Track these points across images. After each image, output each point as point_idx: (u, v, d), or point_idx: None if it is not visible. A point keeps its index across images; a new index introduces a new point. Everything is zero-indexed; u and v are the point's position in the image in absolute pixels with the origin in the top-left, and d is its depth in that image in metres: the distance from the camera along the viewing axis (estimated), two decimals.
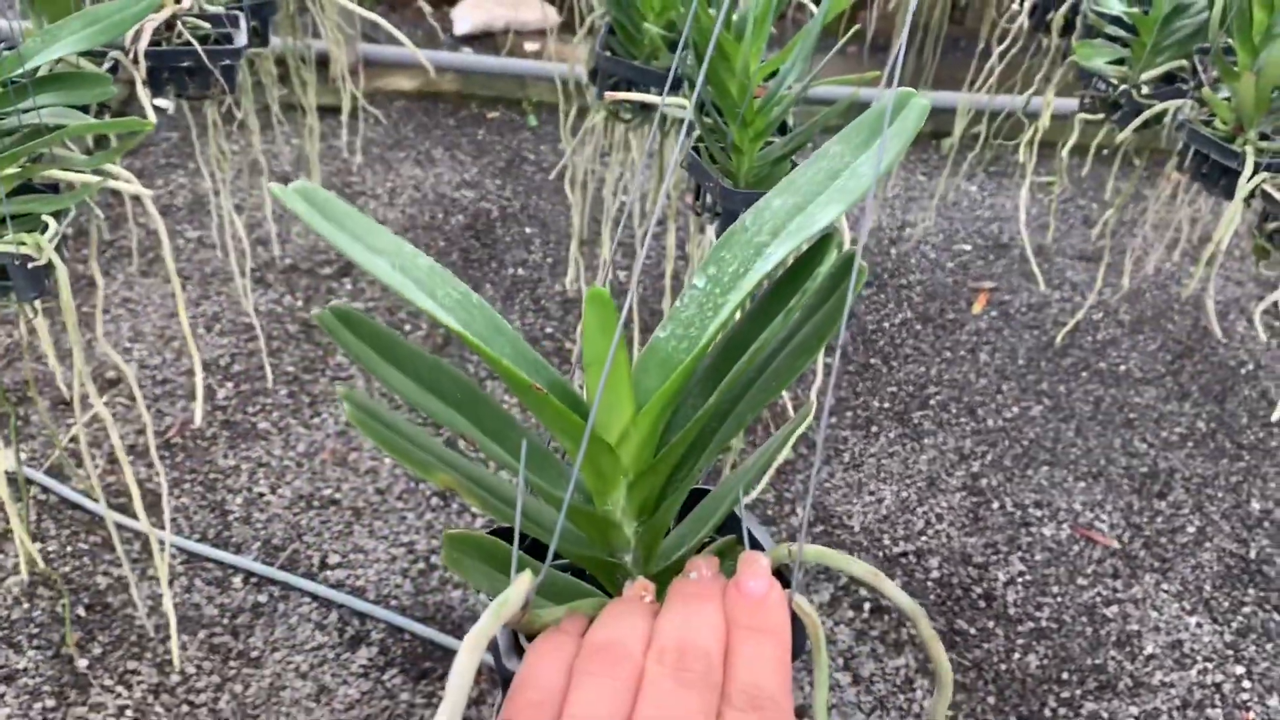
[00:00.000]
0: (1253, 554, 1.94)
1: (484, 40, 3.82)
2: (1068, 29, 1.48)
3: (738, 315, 0.42)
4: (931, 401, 2.26)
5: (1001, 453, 2.13)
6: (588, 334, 0.39)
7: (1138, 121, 1.25)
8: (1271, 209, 1.02)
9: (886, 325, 2.50)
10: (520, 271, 2.54)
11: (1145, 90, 1.28)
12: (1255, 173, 1.07)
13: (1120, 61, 1.32)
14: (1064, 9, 1.39)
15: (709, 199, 1.08)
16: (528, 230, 2.71)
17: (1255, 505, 2.06)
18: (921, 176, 3.19)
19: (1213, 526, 1.99)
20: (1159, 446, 2.18)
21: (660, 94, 1.22)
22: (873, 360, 2.37)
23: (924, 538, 1.91)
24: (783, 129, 1.13)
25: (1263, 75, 1.04)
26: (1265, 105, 1.08)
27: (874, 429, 2.16)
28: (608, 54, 1.28)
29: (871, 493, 1.99)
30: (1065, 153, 1.70)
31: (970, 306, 2.60)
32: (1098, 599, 1.81)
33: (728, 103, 1.00)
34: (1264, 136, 1.14)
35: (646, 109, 1.28)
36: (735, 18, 0.98)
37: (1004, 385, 2.32)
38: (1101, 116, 1.34)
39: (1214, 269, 1.11)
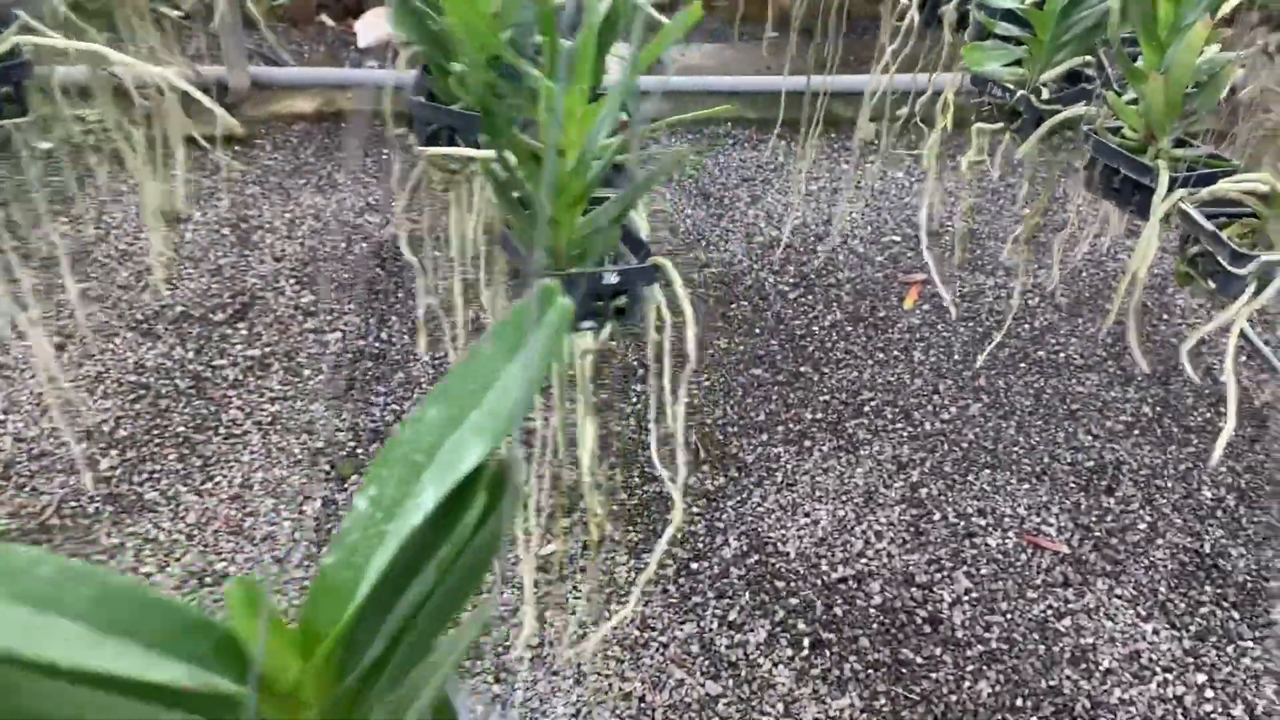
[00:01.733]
0: (1207, 547, 1.85)
1: (390, 52, 3.66)
2: (962, 24, 1.37)
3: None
4: (866, 408, 2.15)
5: (941, 458, 2.03)
6: (239, 622, 0.31)
7: (1041, 131, 1.13)
8: (1192, 230, 0.90)
9: (816, 329, 2.39)
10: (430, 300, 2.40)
11: (1046, 94, 1.16)
12: (1171, 189, 0.95)
13: (1017, 63, 1.20)
14: (954, 3, 1.27)
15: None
16: (435, 254, 2.56)
17: (1206, 493, 1.97)
18: (845, 165, 3.09)
19: (1164, 521, 1.90)
20: (1104, 437, 2.09)
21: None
22: (803, 369, 2.26)
23: (864, 559, 1.80)
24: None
25: (1171, 76, 0.92)
26: (1177, 109, 0.96)
27: (807, 443, 2.05)
28: (421, 99, 1.11)
29: (807, 514, 1.88)
30: (976, 132, 1.59)
31: (902, 302, 2.50)
32: (1049, 612, 1.71)
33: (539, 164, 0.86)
34: (1180, 143, 1.02)
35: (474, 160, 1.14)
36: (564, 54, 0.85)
37: (940, 384, 2.22)
38: (1000, 126, 1.22)
39: (1134, 299, 1.00)
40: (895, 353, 2.32)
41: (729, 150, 3.14)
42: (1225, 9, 1.01)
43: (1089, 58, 1.10)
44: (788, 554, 1.80)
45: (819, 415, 2.12)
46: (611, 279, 0.85)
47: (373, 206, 2.75)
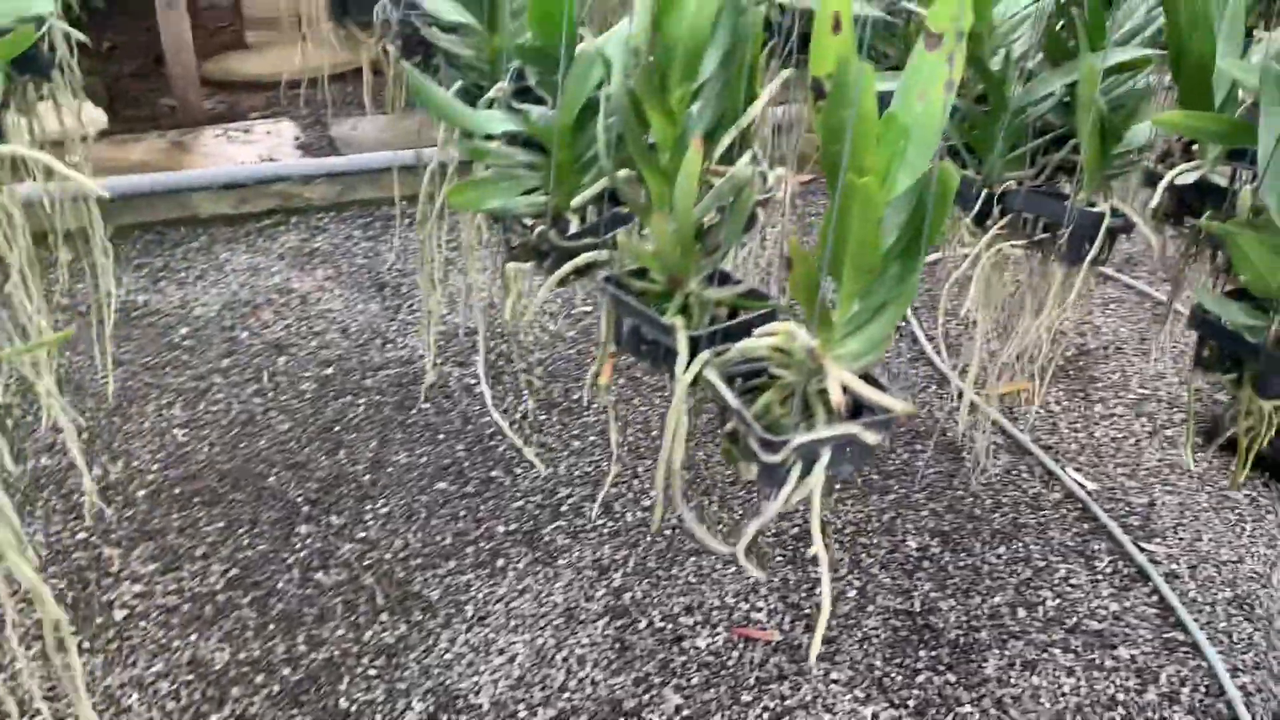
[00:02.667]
0: (917, 605, 1.78)
1: None
2: None
3: None
4: (564, 507, 1.98)
5: (644, 552, 1.87)
6: None
7: (554, 280, 0.97)
8: (718, 399, 0.76)
9: (508, 424, 2.20)
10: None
11: (577, 224, 1.00)
12: (696, 350, 0.81)
13: (535, 189, 1.04)
14: (485, 98, 1.10)
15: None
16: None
17: (911, 543, 1.91)
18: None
19: (873, 583, 1.82)
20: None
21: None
22: (494, 473, 2.06)
23: (566, 694, 1.61)
24: None
25: (678, 212, 0.78)
26: (693, 252, 0.81)
27: (500, 562, 1.85)
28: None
29: (502, 651, 1.68)
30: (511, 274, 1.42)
31: (597, 379, 2.35)
32: (766, 716, 1.58)
33: None
34: (722, 277, 0.87)
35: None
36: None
37: (639, 466, 2.08)
38: (529, 267, 1.06)
39: (675, 471, 0.85)
40: (592, 437, 2.16)
41: (404, 231, 2.92)
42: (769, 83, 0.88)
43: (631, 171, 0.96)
44: (480, 706, 1.59)
45: (513, 527, 1.93)
46: None
47: None
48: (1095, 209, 1.32)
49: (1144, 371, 2.45)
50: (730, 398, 0.76)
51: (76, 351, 2.31)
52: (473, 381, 2.33)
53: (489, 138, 0.99)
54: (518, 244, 1.04)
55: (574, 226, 1.00)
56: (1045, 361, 1.63)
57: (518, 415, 2.24)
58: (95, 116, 2.61)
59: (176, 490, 1.97)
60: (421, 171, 1.79)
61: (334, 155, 3.18)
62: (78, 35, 1.37)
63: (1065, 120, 1.37)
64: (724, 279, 0.88)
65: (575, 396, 2.29)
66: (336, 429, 2.17)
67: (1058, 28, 1.36)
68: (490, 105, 1.06)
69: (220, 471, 2.03)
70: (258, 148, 3.22)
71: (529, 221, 1.02)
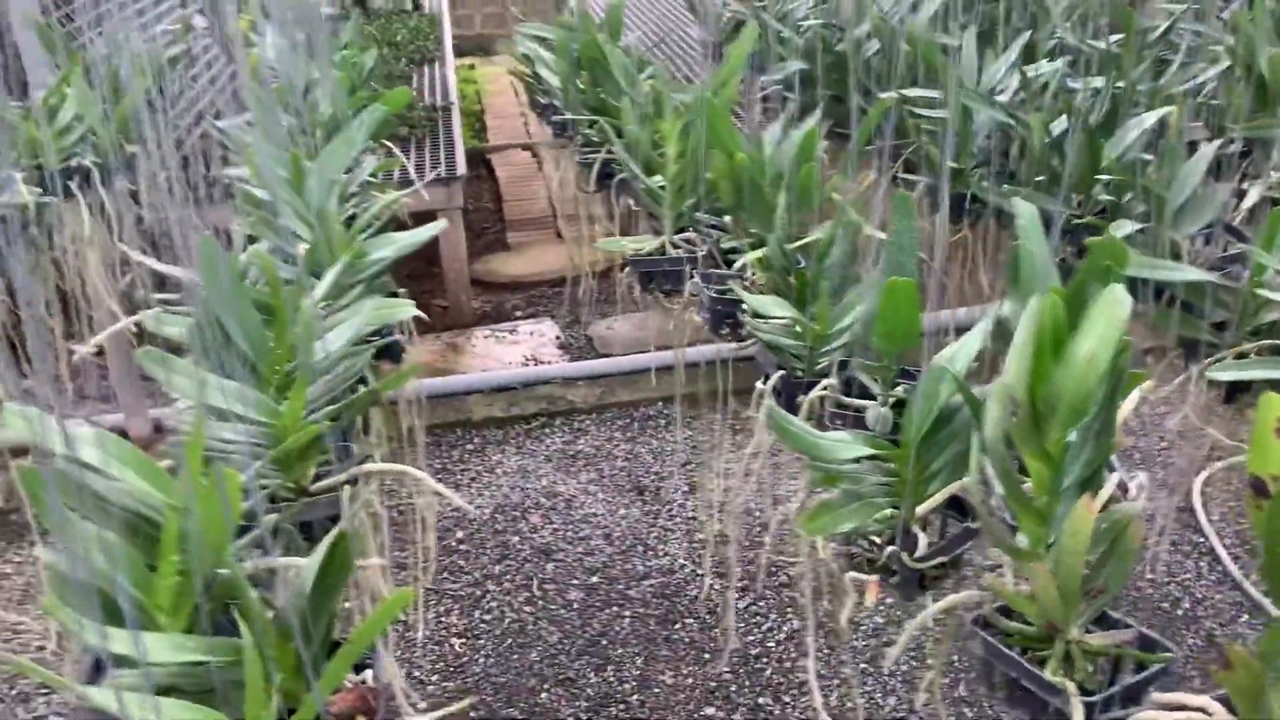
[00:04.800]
0: None
1: None
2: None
3: None
4: None
5: None
6: None
7: (919, 622, 0.93)
8: None
9: (771, 645, 2.16)
10: None
11: (923, 541, 0.98)
12: (1091, 716, 0.75)
13: (877, 511, 1.03)
14: (812, 395, 1.11)
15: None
16: None
17: None
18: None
19: None
20: None
21: None
22: (762, 699, 2.01)
23: None
24: None
25: (1062, 566, 0.74)
26: (1077, 597, 0.77)
27: None
28: None
29: None
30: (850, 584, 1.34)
31: (863, 597, 2.28)
32: None
33: None
34: (1102, 620, 0.81)
35: None
36: None
37: (915, 700, 1.98)
38: (875, 578, 1.05)
39: None
40: (862, 664, 2.09)
41: (660, 432, 2.99)
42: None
43: (968, 479, 0.93)
44: None
45: None
46: None
47: None
48: None
49: None
50: None
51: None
52: (734, 596, 2.31)
53: (840, 462, 1.00)
54: (859, 555, 1.04)
55: (922, 541, 0.98)
56: None
57: (781, 636, 2.19)
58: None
59: (454, 705, 2.03)
60: (677, 372, 1.85)
61: (592, 354, 3.33)
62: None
63: None
64: (1108, 622, 0.83)
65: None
66: (604, 642, 2.19)
67: None
68: (821, 402, 1.08)
69: (495, 685, 2.08)
70: (522, 348, 3.41)
71: (876, 540, 1.01)
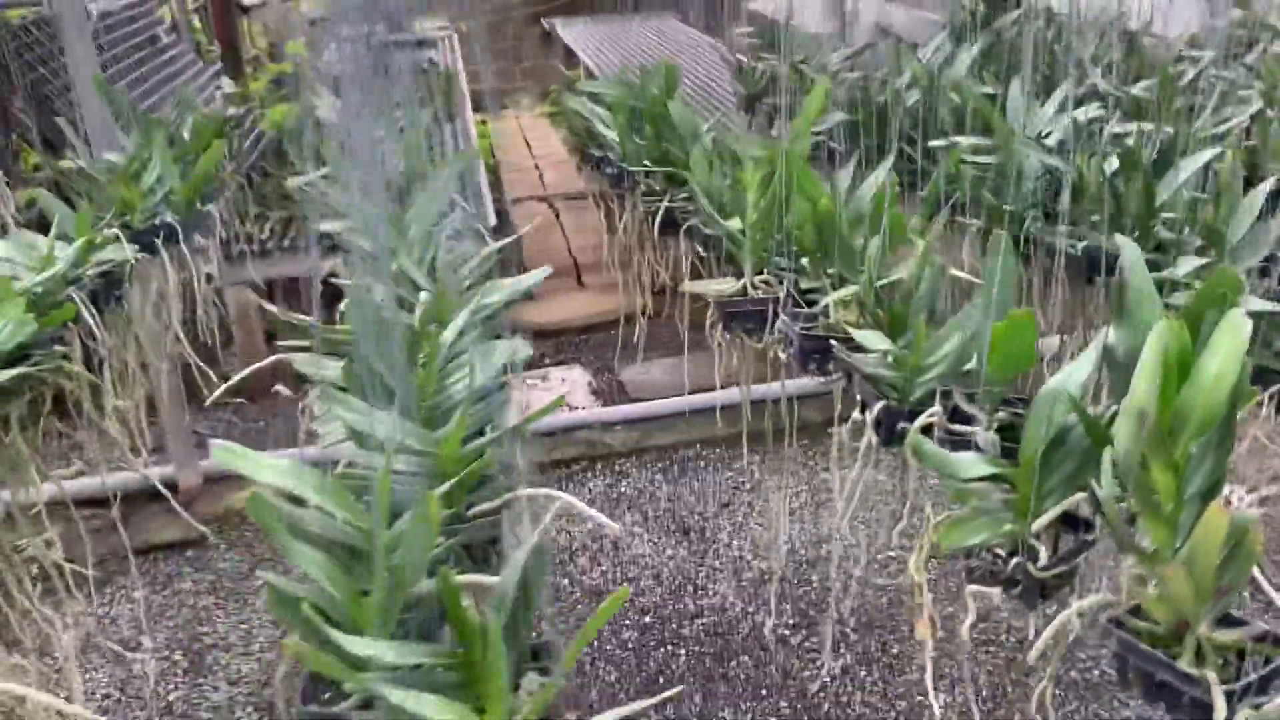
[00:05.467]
0: None
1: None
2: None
3: None
4: None
5: None
6: None
7: (1047, 635, 0.99)
8: None
9: (826, 679, 2.20)
10: None
11: (1044, 555, 1.03)
12: (1232, 711, 0.80)
13: (1001, 526, 1.08)
14: (919, 421, 1.17)
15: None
16: None
17: None
18: (824, 473, 2.99)
19: None
20: None
21: None
22: None
23: None
24: None
25: (1195, 565, 0.80)
26: (1208, 594, 0.83)
27: None
28: None
29: None
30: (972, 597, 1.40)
31: (913, 631, 2.32)
32: None
33: None
34: (1226, 618, 0.86)
35: None
36: None
37: None
38: (997, 590, 1.10)
39: None
40: (918, 697, 2.12)
41: (700, 473, 3.04)
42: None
43: (1082, 493, 0.99)
44: None
45: None
46: None
47: None
48: None
49: None
50: None
51: None
52: (786, 632, 2.35)
53: (967, 480, 1.06)
54: (979, 568, 1.09)
55: (1043, 553, 1.04)
56: None
57: (837, 670, 2.23)
58: None
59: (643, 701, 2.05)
60: (743, 409, 1.90)
61: (626, 399, 3.38)
62: None
63: None
64: (1229, 620, 0.89)
65: (894, 650, 2.27)
66: (661, 680, 2.22)
67: None
68: (928, 430, 1.14)
69: None
70: (554, 395, 3.47)
71: (1001, 553, 1.07)
